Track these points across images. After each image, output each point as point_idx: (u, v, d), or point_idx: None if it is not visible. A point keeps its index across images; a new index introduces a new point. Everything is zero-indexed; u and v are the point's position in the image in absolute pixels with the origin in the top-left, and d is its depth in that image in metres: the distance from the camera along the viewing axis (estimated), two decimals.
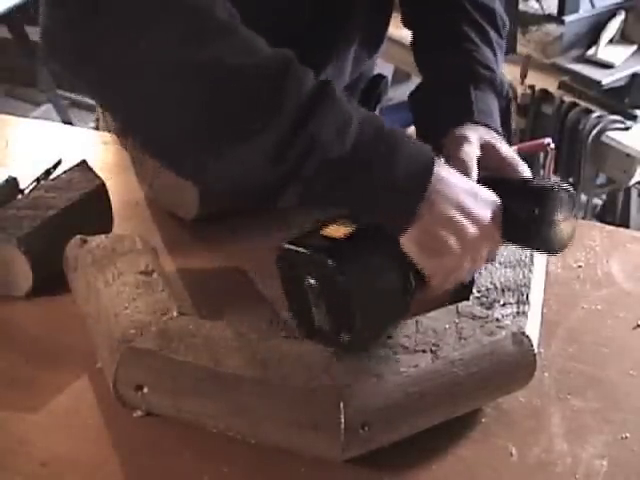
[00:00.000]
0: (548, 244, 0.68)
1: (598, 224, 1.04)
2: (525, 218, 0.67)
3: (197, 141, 0.60)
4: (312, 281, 0.62)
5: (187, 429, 0.66)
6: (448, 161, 0.70)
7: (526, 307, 0.70)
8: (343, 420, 0.60)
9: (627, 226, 2.12)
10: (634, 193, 2.19)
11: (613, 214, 2.27)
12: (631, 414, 0.71)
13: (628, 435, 0.69)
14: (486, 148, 0.74)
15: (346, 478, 0.65)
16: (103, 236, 0.79)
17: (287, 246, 0.63)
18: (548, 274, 0.87)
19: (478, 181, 0.69)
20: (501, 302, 0.70)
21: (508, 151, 0.75)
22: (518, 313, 0.69)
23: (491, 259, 0.69)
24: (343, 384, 0.61)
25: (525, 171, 0.74)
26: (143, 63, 0.57)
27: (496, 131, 0.77)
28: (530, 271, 0.74)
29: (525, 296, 0.71)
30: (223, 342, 0.65)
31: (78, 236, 0.78)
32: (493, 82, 0.82)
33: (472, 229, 0.64)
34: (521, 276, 0.73)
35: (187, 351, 0.64)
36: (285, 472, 0.65)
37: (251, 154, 0.59)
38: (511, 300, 0.71)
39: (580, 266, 0.90)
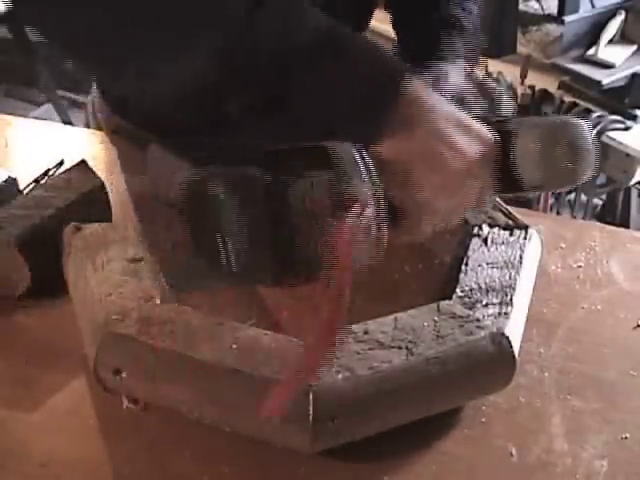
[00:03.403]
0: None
1: (598, 224, 1.04)
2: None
3: (147, 40, 0.55)
4: (215, 192, 0.52)
5: (187, 429, 0.66)
6: None
7: (509, 308, 0.69)
8: (312, 412, 0.60)
9: (627, 226, 2.12)
10: (634, 193, 2.19)
11: (613, 214, 2.27)
12: (631, 414, 0.71)
13: (628, 435, 0.69)
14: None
15: (346, 478, 0.65)
16: (97, 224, 0.79)
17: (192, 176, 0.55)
18: (548, 274, 0.87)
19: None
20: (484, 302, 0.70)
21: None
22: (500, 314, 0.69)
23: (479, 205, 0.61)
24: None
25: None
26: None
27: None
28: (517, 273, 0.74)
29: (509, 297, 0.71)
30: (201, 330, 0.66)
31: (73, 223, 0.79)
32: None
33: (455, 162, 0.56)
34: (507, 277, 0.73)
35: (165, 337, 0.65)
36: (285, 472, 0.65)
37: (200, 52, 0.53)
38: (494, 301, 0.70)
39: (580, 266, 0.90)
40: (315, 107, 0.55)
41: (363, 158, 0.53)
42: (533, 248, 0.80)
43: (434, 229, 0.60)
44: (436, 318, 0.68)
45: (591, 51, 2.09)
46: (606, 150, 1.92)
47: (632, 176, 1.91)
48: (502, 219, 0.80)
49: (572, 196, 2.15)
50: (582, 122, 0.62)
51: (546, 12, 2.37)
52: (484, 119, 0.62)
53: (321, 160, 0.53)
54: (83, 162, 0.91)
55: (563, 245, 0.92)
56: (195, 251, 0.57)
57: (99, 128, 1.08)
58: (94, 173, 0.90)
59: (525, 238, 0.79)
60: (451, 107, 0.59)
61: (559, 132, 0.61)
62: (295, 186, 0.51)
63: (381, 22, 2.40)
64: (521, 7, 2.29)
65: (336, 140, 0.54)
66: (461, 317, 0.68)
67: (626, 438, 0.69)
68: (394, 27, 0.91)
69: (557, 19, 2.26)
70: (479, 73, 0.81)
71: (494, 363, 0.67)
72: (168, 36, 0.55)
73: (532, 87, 2.06)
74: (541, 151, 0.60)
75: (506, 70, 2.12)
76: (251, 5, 0.53)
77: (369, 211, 0.52)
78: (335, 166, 0.52)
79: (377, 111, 0.54)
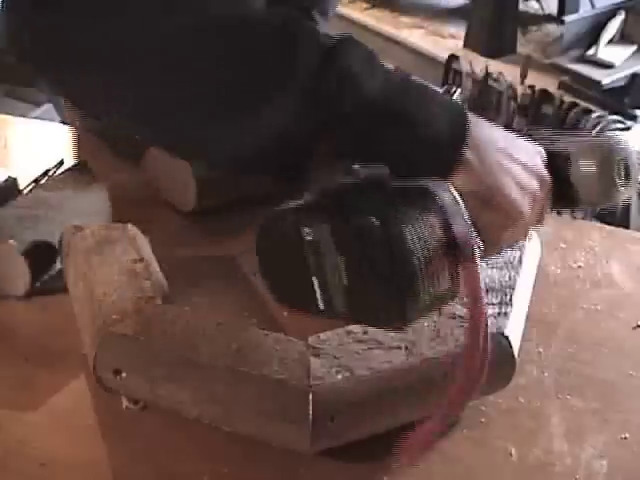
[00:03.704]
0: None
1: (598, 224, 1.04)
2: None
3: (210, 111, 0.54)
4: (312, 237, 0.53)
5: (187, 429, 0.66)
6: None
7: (509, 308, 0.69)
8: (311, 412, 0.60)
9: (627, 226, 2.12)
10: (634, 193, 2.19)
11: (613, 214, 2.27)
12: (631, 414, 0.71)
13: (628, 435, 0.69)
14: None
15: (345, 478, 0.65)
16: (97, 224, 0.79)
17: (274, 209, 0.55)
18: (548, 275, 0.87)
19: None
20: None
21: None
22: (499, 314, 0.69)
23: (540, 224, 0.64)
24: (314, 377, 0.61)
25: None
26: (130, 41, 0.51)
27: None
28: (517, 273, 0.74)
29: (509, 297, 0.71)
30: (201, 330, 0.66)
31: (72, 223, 0.79)
32: None
33: (529, 178, 0.60)
34: (507, 277, 0.73)
35: (164, 338, 0.65)
36: (284, 473, 0.65)
37: (276, 111, 0.52)
38: (494, 301, 0.70)
39: (580, 266, 0.90)
40: (394, 148, 0.56)
41: (460, 197, 0.55)
42: (533, 248, 0.80)
43: (500, 250, 0.64)
44: (436, 318, 0.68)
45: (591, 51, 2.09)
46: None
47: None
48: None
49: None
50: (628, 141, 0.66)
51: (546, 12, 2.38)
52: (539, 141, 0.65)
53: (424, 201, 0.53)
54: (82, 162, 0.91)
55: (563, 245, 0.92)
56: (274, 288, 0.58)
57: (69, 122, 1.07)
58: (93, 173, 0.90)
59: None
60: (509, 136, 0.62)
61: (615, 153, 0.64)
62: (410, 229, 0.51)
63: (379, 21, 2.39)
64: (521, 7, 2.29)
65: (419, 179, 0.55)
66: (461, 317, 0.68)
67: (626, 438, 0.69)
68: None
69: (557, 19, 2.26)
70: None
71: (494, 363, 0.67)
72: (237, 107, 0.54)
73: (532, 87, 2.06)
74: (598, 171, 0.64)
75: (506, 70, 2.12)
76: (321, 62, 0.53)
77: (477, 248, 0.54)
78: (441, 207, 0.53)
79: (452, 148, 0.57)
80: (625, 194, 0.65)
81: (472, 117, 0.58)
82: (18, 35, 0.54)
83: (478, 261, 0.53)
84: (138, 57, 0.52)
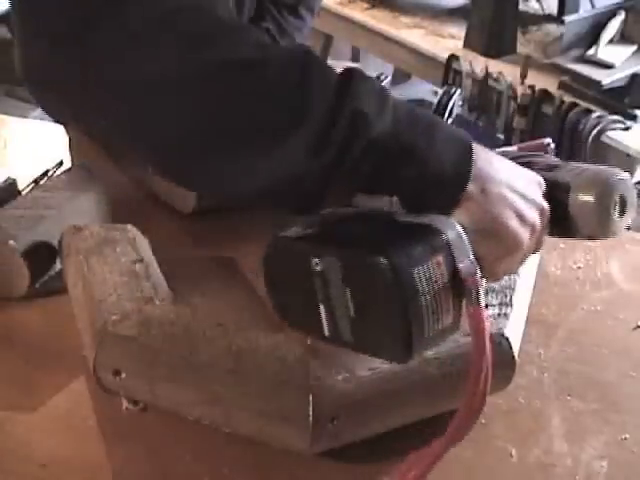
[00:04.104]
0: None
1: None
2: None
3: (223, 151, 0.55)
4: (321, 267, 0.54)
5: (187, 430, 0.66)
6: None
7: (508, 309, 0.69)
8: (312, 413, 0.60)
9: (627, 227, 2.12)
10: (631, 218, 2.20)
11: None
12: (631, 415, 0.71)
13: (628, 436, 0.69)
14: None
15: (346, 478, 0.65)
16: (97, 225, 0.79)
17: (285, 234, 0.57)
18: (547, 275, 0.87)
19: None
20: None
21: None
22: (499, 315, 0.69)
23: (537, 250, 0.65)
24: (314, 377, 0.61)
25: None
26: (151, 78, 0.53)
27: None
28: (517, 274, 0.74)
29: (509, 298, 0.71)
30: (201, 332, 0.66)
31: (72, 224, 0.79)
32: None
33: (529, 209, 0.61)
34: (507, 278, 0.73)
35: (164, 339, 0.65)
36: (284, 473, 0.65)
37: (288, 153, 0.54)
38: (494, 302, 0.70)
39: (580, 267, 0.90)
40: (401, 184, 0.58)
41: (464, 231, 0.56)
42: None
43: (497, 278, 0.64)
44: None
45: (591, 51, 2.09)
46: (606, 150, 1.92)
47: (632, 176, 1.91)
48: None
49: None
50: (628, 176, 0.67)
51: (546, 12, 2.38)
52: (539, 170, 0.66)
53: (430, 239, 0.55)
54: (82, 162, 0.91)
55: (563, 246, 0.93)
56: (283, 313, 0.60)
57: None
58: (93, 173, 0.90)
59: None
60: (510, 166, 0.63)
61: (614, 187, 0.65)
62: (419, 270, 0.53)
63: (379, 21, 2.40)
64: (521, 7, 2.29)
65: (425, 212, 0.57)
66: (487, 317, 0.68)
67: (626, 439, 0.69)
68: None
69: (557, 19, 2.26)
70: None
71: (494, 364, 0.67)
72: (251, 148, 0.55)
73: (532, 87, 2.06)
74: (596, 204, 0.64)
75: (506, 70, 2.12)
76: (333, 103, 0.54)
77: (481, 285, 0.55)
78: (447, 245, 0.55)
79: (456, 185, 0.58)
80: (622, 227, 0.66)
81: (476, 148, 0.59)
82: (34, 70, 0.55)
83: (482, 301, 0.55)
84: (156, 95, 0.53)
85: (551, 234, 0.66)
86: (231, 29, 0.55)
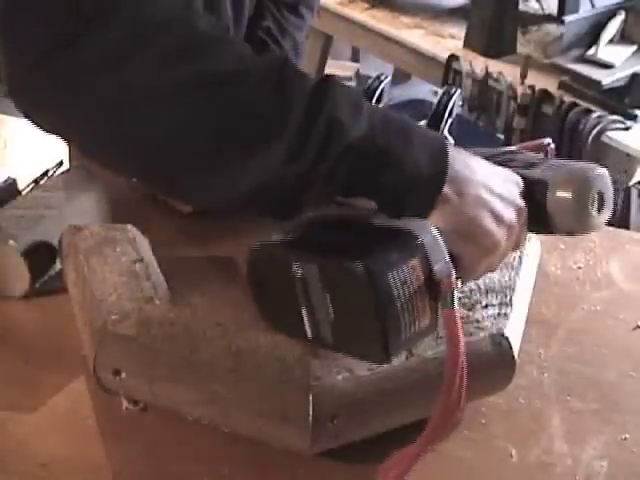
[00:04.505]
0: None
1: None
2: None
3: (203, 163, 0.57)
4: (302, 273, 0.56)
5: (187, 430, 0.66)
6: None
7: (508, 309, 0.69)
8: (312, 413, 0.60)
9: (627, 227, 2.12)
10: (634, 193, 2.19)
11: (613, 214, 2.27)
12: (631, 415, 0.71)
13: (628, 436, 0.69)
14: None
15: (346, 478, 0.65)
16: (97, 225, 0.79)
17: (268, 239, 0.59)
18: (547, 275, 0.87)
19: None
20: (483, 303, 0.70)
21: None
22: (499, 315, 0.69)
23: (517, 248, 0.66)
24: (314, 377, 0.61)
25: None
26: (130, 93, 0.54)
27: None
28: (517, 274, 0.74)
29: (509, 298, 0.71)
30: (201, 331, 0.66)
31: (72, 224, 0.79)
32: None
33: (505, 209, 0.62)
34: (507, 278, 0.73)
35: (164, 339, 0.65)
36: (284, 473, 0.65)
37: (266, 162, 0.55)
38: (494, 302, 0.70)
39: (580, 267, 0.90)
40: (377, 189, 0.58)
41: (439, 235, 0.58)
42: (533, 249, 0.80)
43: (478, 277, 0.66)
44: None
45: (591, 51, 2.09)
46: (606, 150, 1.92)
47: (632, 176, 1.91)
48: None
49: None
50: (606, 171, 0.66)
51: (546, 12, 2.37)
52: (518, 168, 0.66)
53: (406, 243, 0.57)
54: (82, 162, 0.91)
55: (562, 246, 0.93)
56: (265, 315, 0.62)
57: None
58: (92, 173, 0.90)
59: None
60: (487, 167, 0.63)
61: (591, 184, 0.65)
62: (394, 274, 0.55)
63: (379, 21, 2.39)
64: (521, 7, 2.29)
65: (399, 216, 0.58)
66: (461, 318, 0.68)
67: (626, 439, 0.69)
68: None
69: (557, 19, 2.26)
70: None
71: (494, 364, 0.67)
72: (230, 157, 0.56)
73: (532, 87, 2.06)
74: (573, 201, 0.64)
75: (506, 70, 2.11)
76: (308, 111, 0.55)
77: (456, 287, 0.57)
78: (422, 249, 0.57)
79: (431, 188, 0.59)
80: (600, 223, 0.66)
81: (452, 150, 0.60)
82: (19, 86, 0.56)
83: (457, 303, 0.56)
84: (138, 109, 0.55)
85: (531, 230, 0.67)
86: (210, 42, 0.56)
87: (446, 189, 0.59)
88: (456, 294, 0.56)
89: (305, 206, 0.58)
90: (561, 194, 0.64)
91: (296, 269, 0.57)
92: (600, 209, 0.65)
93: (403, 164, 0.57)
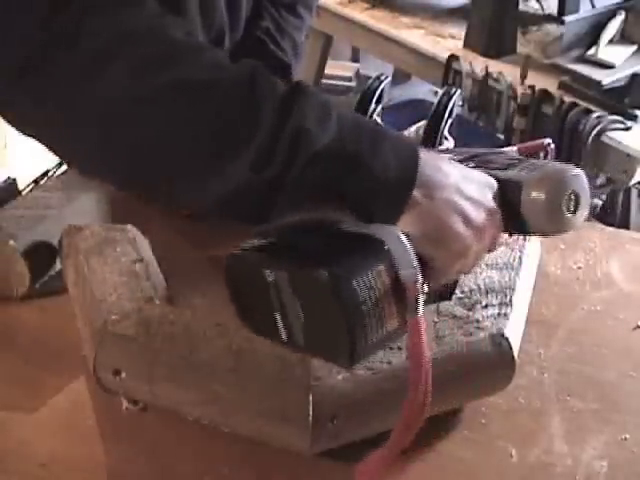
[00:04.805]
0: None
1: (598, 225, 1.04)
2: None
3: (178, 169, 0.58)
4: (273, 278, 0.58)
5: (186, 429, 0.66)
6: None
7: (508, 309, 0.69)
8: (312, 413, 0.60)
9: (627, 227, 2.12)
10: (634, 193, 2.19)
11: (613, 215, 2.27)
12: (631, 415, 0.71)
13: (628, 436, 0.69)
14: None
15: (346, 478, 0.65)
16: (97, 225, 0.79)
17: (243, 246, 0.61)
18: (547, 275, 0.87)
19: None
20: (483, 303, 0.70)
21: None
22: (499, 315, 0.69)
23: (492, 250, 0.67)
24: (314, 377, 0.61)
25: None
26: (103, 106, 0.55)
27: None
28: (517, 274, 0.74)
29: (509, 298, 0.71)
30: (201, 331, 0.66)
31: (72, 224, 0.79)
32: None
33: (476, 212, 0.62)
34: (507, 278, 0.73)
35: (164, 339, 0.65)
36: (284, 473, 0.65)
37: (235, 170, 0.57)
38: (494, 302, 0.70)
39: (580, 267, 0.90)
40: (346, 195, 0.59)
41: (406, 239, 0.58)
42: (532, 249, 0.80)
43: (452, 278, 0.66)
44: (436, 319, 0.68)
45: (591, 51, 2.09)
46: (606, 150, 1.92)
47: (632, 176, 1.91)
48: None
49: None
50: (582, 172, 0.66)
51: (546, 12, 2.37)
52: (492, 169, 0.66)
53: (373, 249, 0.58)
54: None
55: (562, 246, 0.93)
56: (242, 316, 0.63)
57: None
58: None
59: (525, 239, 0.79)
60: (459, 171, 0.64)
61: (565, 184, 0.64)
62: (359, 280, 0.56)
63: (379, 21, 2.39)
64: (521, 7, 2.29)
65: (369, 221, 0.59)
66: (461, 318, 0.68)
67: (626, 439, 0.69)
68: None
69: (557, 19, 2.26)
70: None
71: (494, 364, 0.67)
72: (201, 166, 0.57)
73: (532, 87, 2.05)
74: (547, 202, 0.64)
75: (506, 70, 2.11)
76: (277, 120, 0.56)
77: (422, 293, 0.57)
78: (388, 254, 0.57)
79: (400, 193, 0.59)
80: (576, 224, 0.66)
81: (423, 154, 0.61)
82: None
83: (421, 310, 0.57)
84: (111, 119, 0.56)
85: (507, 232, 0.67)
86: (182, 51, 0.57)
87: (416, 193, 0.59)
88: (421, 299, 0.57)
89: (279, 211, 0.59)
90: (534, 195, 0.64)
91: (268, 275, 0.58)
92: (575, 210, 0.65)
93: (372, 169, 0.58)
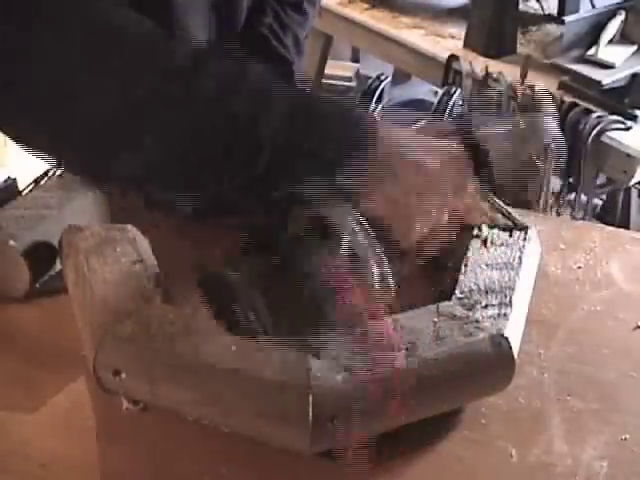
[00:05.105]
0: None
1: (598, 225, 1.04)
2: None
3: (157, 181, 0.62)
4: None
5: (187, 430, 0.66)
6: None
7: (508, 309, 0.69)
8: (311, 413, 0.60)
9: (627, 227, 2.12)
10: (634, 193, 2.19)
11: (613, 214, 2.27)
12: (631, 415, 0.71)
13: (628, 436, 0.69)
14: None
15: (346, 479, 0.65)
16: (97, 225, 0.79)
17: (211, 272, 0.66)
18: (547, 275, 0.87)
19: None
20: (483, 304, 0.70)
21: None
22: (499, 315, 0.69)
23: (468, 219, 0.69)
24: (314, 377, 0.61)
25: None
26: (87, 110, 0.57)
27: None
28: (517, 274, 0.74)
29: (508, 298, 0.71)
30: (202, 331, 0.66)
31: (72, 224, 0.79)
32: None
33: (437, 183, 0.63)
34: (507, 278, 0.73)
35: (164, 339, 0.65)
36: (284, 473, 0.65)
37: (207, 182, 0.60)
38: (493, 302, 0.70)
39: (580, 267, 0.90)
40: (300, 168, 0.61)
41: (356, 218, 0.62)
42: (532, 249, 0.80)
43: (422, 232, 0.67)
44: (435, 319, 0.68)
45: (591, 51, 2.09)
46: (606, 150, 1.92)
47: (632, 176, 1.91)
48: (501, 220, 0.80)
49: (572, 196, 2.15)
50: (551, 124, 0.67)
51: (546, 12, 2.37)
52: (463, 130, 0.68)
53: (322, 228, 0.62)
54: None
55: (563, 246, 0.92)
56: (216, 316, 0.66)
57: None
58: None
59: (524, 239, 0.79)
60: (423, 143, 0.66)
61: (533, 136, 0.65)
62: (310, 264, 0.60)
63: (379, 21, 2.39)
64: (521, 7, 2.29)
65: (327, 199, 0.61)
66: (460, 318, 0.68)
67: (626, 439, 0.69)
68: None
69: (557, 19, 2.26)
70: None
71: (493, 364, 0.67)
72: (180, 175, 0.61)
73: (532, 87, 2.05)
74: (514, 154, 0.66)
75: (506, 70, 2.11)
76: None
77: (373, 269, 0.61)
78: (335, 233, 0.61)
79: (359, 169, 0.60)
80: (544, 177, 0.67)
81: (383, 130, 0.62)
82: None
83: (382, 308, 0.61)
84: (94, 125, 0.58)
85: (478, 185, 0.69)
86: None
87: (375, 170, 0.60)
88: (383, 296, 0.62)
89: (257, 209, 0.63)
90: (503, 147, 0.66)
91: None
92: (545, 161, 0.66)
93: (323, 152, 0.59)
